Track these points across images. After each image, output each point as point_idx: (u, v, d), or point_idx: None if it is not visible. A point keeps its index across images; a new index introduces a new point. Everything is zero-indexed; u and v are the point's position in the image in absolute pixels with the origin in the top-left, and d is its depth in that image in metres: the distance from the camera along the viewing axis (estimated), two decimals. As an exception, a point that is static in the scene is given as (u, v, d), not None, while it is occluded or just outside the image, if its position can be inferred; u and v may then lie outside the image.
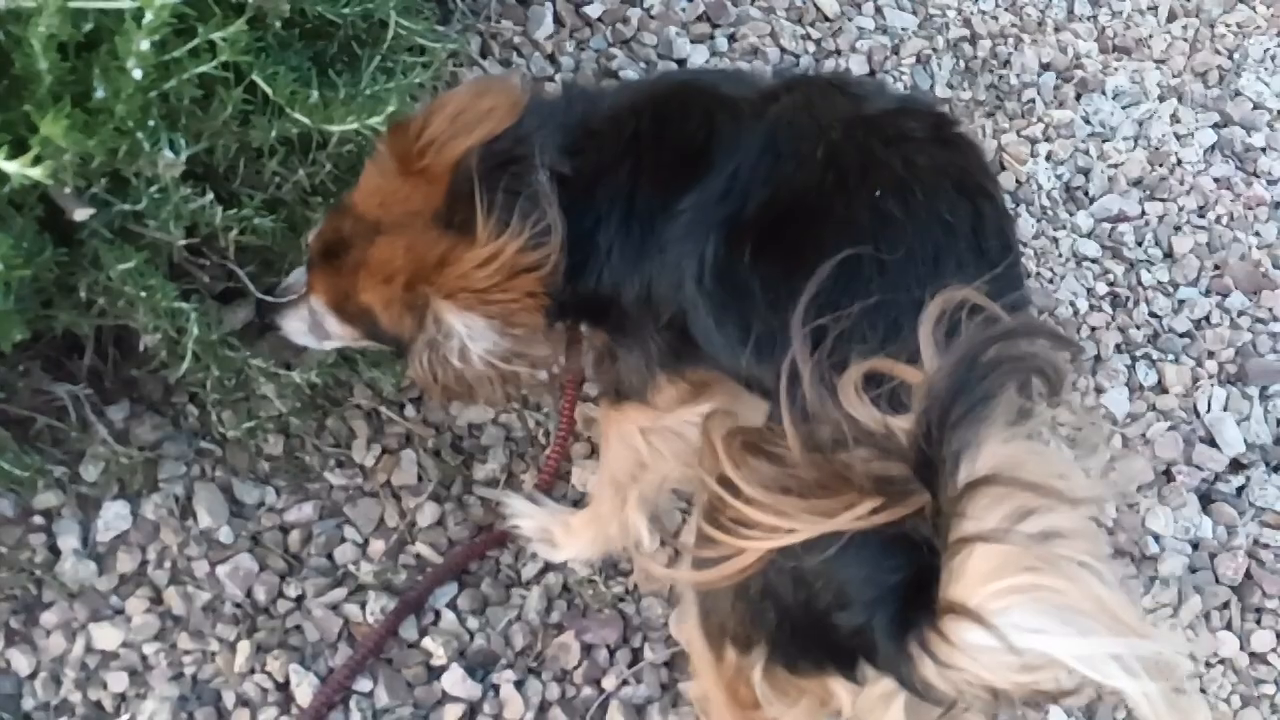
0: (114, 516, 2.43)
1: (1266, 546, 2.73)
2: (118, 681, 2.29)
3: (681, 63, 3.28)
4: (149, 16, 1.69)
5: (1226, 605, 2.65)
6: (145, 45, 1.73)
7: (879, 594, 1.51)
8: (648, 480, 2.28)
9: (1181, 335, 3.05)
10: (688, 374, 2.06)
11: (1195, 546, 2.72)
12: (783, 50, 3.37)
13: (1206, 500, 2.80)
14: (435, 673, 2.37)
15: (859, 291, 1.73)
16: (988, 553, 1.37)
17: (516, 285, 1.92)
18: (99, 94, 1.80)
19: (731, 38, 3.38)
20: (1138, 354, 2.99)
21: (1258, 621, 2.65)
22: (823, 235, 1.83)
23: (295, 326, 2.25)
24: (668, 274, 1.94)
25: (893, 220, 1.80)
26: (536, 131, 1.99)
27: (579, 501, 2.58)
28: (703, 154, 1.93)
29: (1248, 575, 2.69)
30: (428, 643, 2.39)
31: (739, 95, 1.98)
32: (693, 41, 3.33)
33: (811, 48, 3.41)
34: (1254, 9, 3.80)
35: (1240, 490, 2.82)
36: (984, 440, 1.38)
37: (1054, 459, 1.47)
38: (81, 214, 1.93)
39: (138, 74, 1.77)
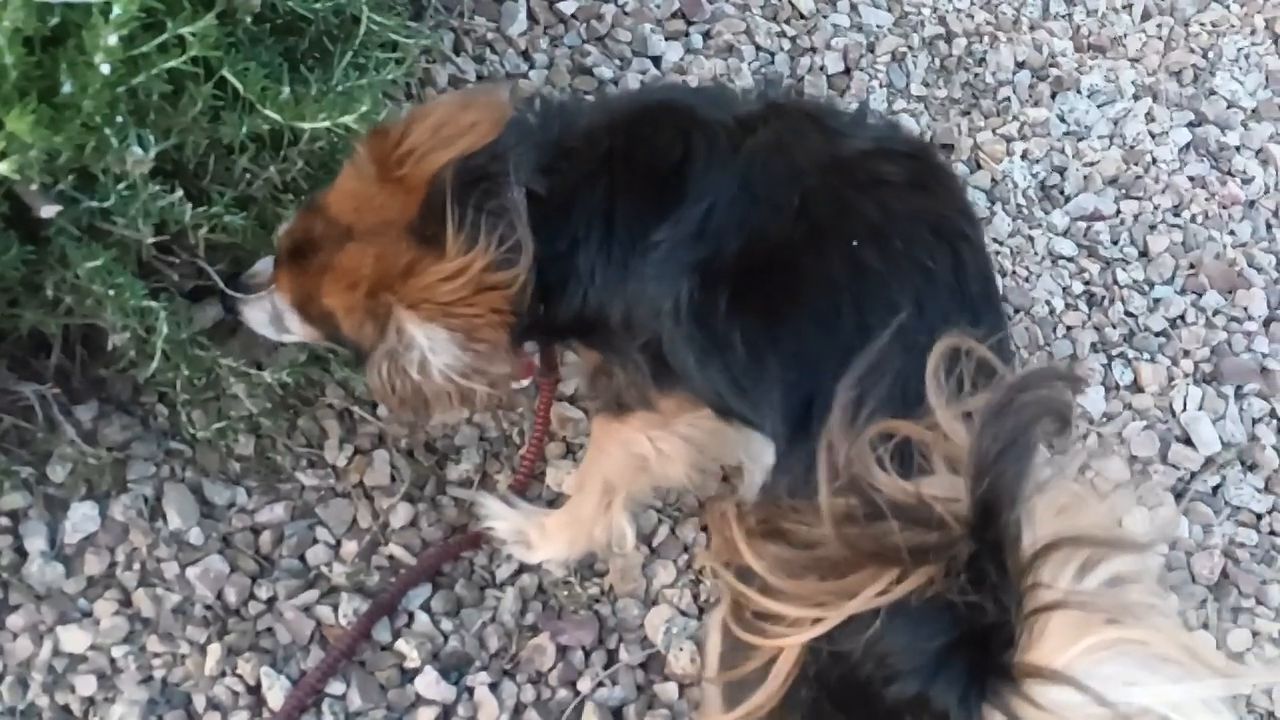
0: (82, 518, 2.40)
1: (1242, 545, 2.74)
2: (86, 685, 2.26)
3: (656, 60, 3.27)
4: (117, 11, 1.67)
5: (1203, 604, 2.65)
6: (113, 40, 1.71)
7: (925, 661, 1.51)
8: (643, 483, 2.29)
9: (1157, 334, 3.05)
10: (672, 392, 2.06)
11: (1171, 546, 2.71)
12: (758, 48, 3.36)
13: (1182, 499, 2.80)
14: (409, 675, 2.35)
15: (840, 348, 1.73)
16: (1064, 615, 1.39)
17: (482, 301, 1.91)
18: (66, 89, 1.78)
19: (706, 35, 3.37)
20: (1113, 353, 2.99)
21: (1234, 621, 2.65)
22: (799, 289, 1.83)
23: (257, 317, 2.23)
24: (645, 303, 1.93)
25: (870, 271, 1.79)
26: (513, 149, 1.97)
27: (554, 502, 2.56)
28: (676, 179, 1.91)
29: (1224, 574, 2.69)
30: (401, 645, 2.36)
31: (716, 119, 1.95)
32: (667, 39, 3.32)
33: (787, 45, 3.40)
34: (1228, 8, 3.82)
35: (1216, 489, 2.83)
36: (1033, 499, 1.41)
37: (1100, 502, 1.51)
38: (48, 211, 1.91)
39: (105, 69, 1.74)
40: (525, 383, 2.29)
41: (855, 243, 1.80)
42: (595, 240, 1.94)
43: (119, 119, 1.85)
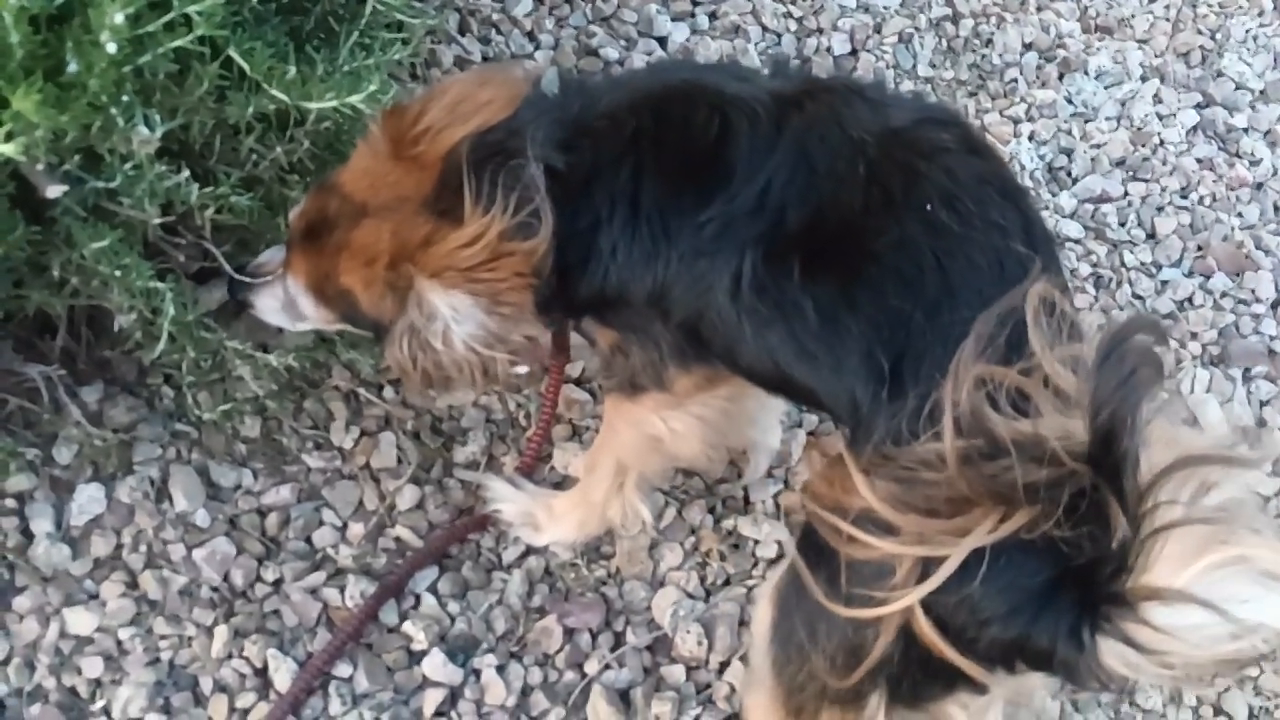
0: (88, 499, 2.40)
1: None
2: (93, 667, 2.26)
3: (662, 41, 3.26)
4: (123, -11, 1.66)
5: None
6: (119, 18, 1.70)
7: (1027, 599, 1.57)
8: (655, 462, 2.30)
9: (1165, 316, 3.04)
10: (694, 369, 2.07)
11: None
12: (764, 29, 3.35)
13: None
14: (416, 657, 2.35)
15: (926, 305, 1.77)
16: (1182, 535, 1.45)
17: (503, 265, 1.90)
18: (72, 68, 1.77)
19: (713, 15, 3.35)
20: (1121, 336, 2.97)
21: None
22: (878, 252, 1.84)
23: (268, 305, 2.23)
24: (689, 281, 1.92)
25: (948, 231, 1.81)
26: (530, 124, 1.96)
27: (560, 484, 2.55)
28: (716, 159, 1.91)
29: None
30: (408, 627, 2.36)
31: (750, 95, 1.94)
32: (673, 19, 3.31)
33: (793, 26, 3.38)
34: (1236, -12, 3.80)
35: (1222, 473, 2.81)
36: (1149, 428, 1.47)
37: (1198, 431, 1.68)
38: (54, 191, 1.90)
39: (112, 48, 1.73)
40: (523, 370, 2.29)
41: (929, 206, 1.83)
42: (619, 221, 1.93)
43: (125, 98, 1.84)
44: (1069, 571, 1.55)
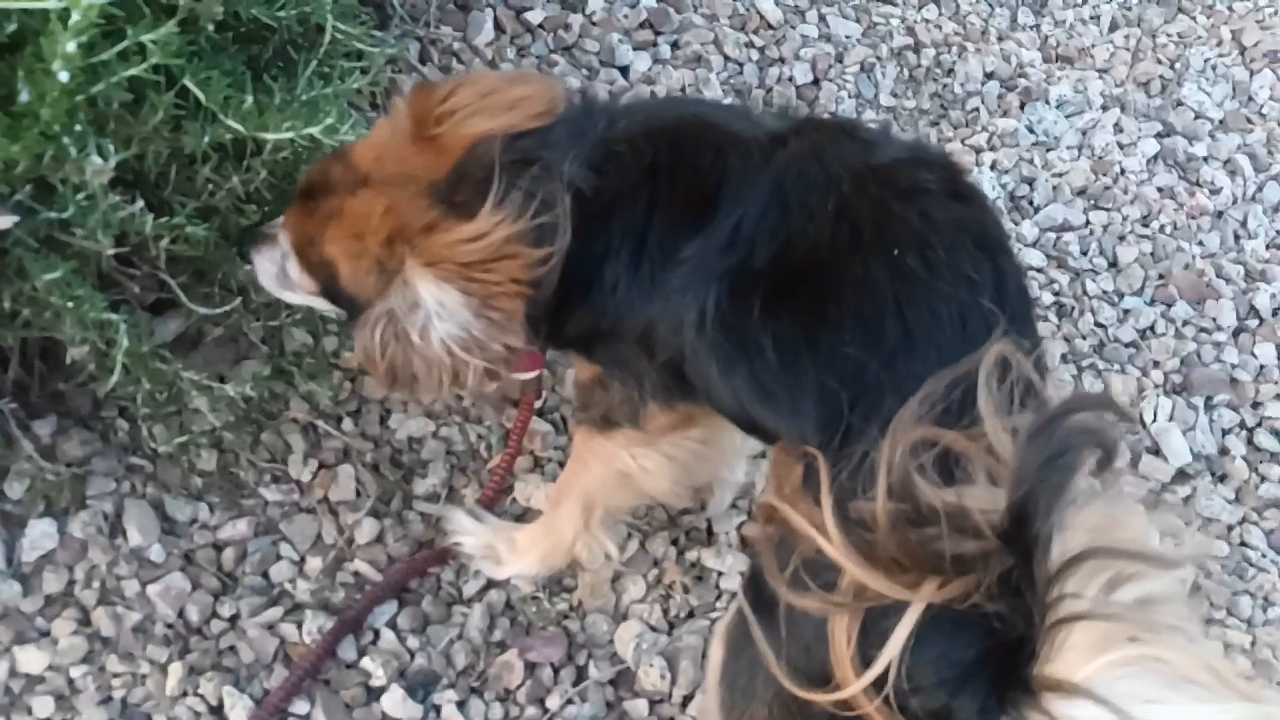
0: (40, 535, 2.36)
1: (1213, 557, 2.73)
2: (44, 706, 2.22)
3: (624, 70, 3.26)
4: (76, 17, 1.65)
5: (1174, 617, 2.63)
6: (72, 47, 1.68)
7: (955, 673, 1.52)
8: (623, 498, 2.27)
9: (1127, 345, 3.05)
10: (678, 406, 2.05)
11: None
12: (726, 58, 3.35)
13: (1153, 511, 2.79)
14: (375, 694, 2.32)
15: (883, 354, 1.73)
16: (1089, 627, 1.40)
17: (503, 267, 1.85)
18: (23, 97, 1.75)
19: (675, 45, 3.36)
20: (1084, 364, 2.98)
21: (1205, 633, 2.64)
22: (841, 293, 1.80)
23: (264, 269, 2.15)
24: (668, 319, 1.90)
25: (914, 278, 1.76)
26: (566, 141, 1.93)
27: (522, 517, 2.53)
28: (711, 197, 1.88)
29: (1195, 587, 2.68)
30: (367, 663, 2.33)
31: (749, 135, 1.92)
32: (635, 49, 3.31)
33: (755, 55, 3.39)
34: (1194, 19, 3.83)
35: (1186, 501, 2.82)
36: (1068, 513, 1.42)
37: (1136, 521, 1.53)
38: (5, 222, 1.88)
39: (64, 77, 1.71)
40: (534, 375, 2.28)
41: (897, 250, 1.78)
42: (627, 254, 1.90)
43: (78, 128, 1.82)
44: (995, 648, 1.50)
